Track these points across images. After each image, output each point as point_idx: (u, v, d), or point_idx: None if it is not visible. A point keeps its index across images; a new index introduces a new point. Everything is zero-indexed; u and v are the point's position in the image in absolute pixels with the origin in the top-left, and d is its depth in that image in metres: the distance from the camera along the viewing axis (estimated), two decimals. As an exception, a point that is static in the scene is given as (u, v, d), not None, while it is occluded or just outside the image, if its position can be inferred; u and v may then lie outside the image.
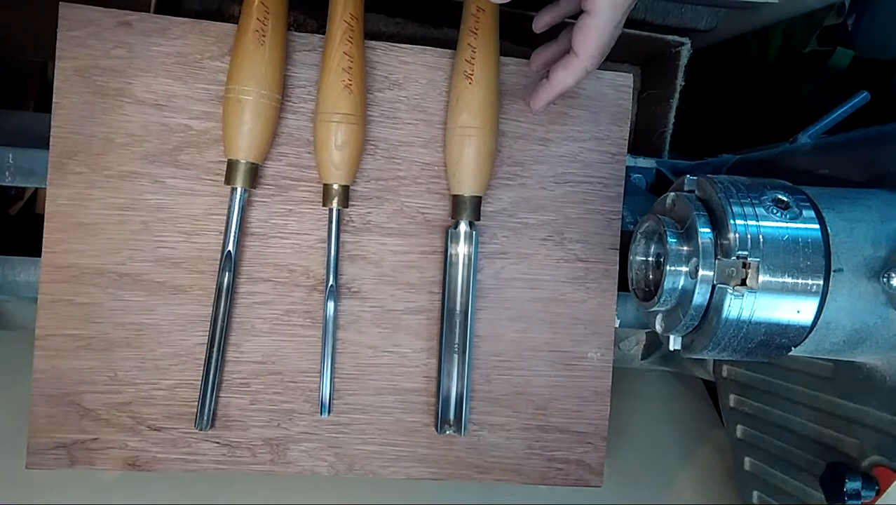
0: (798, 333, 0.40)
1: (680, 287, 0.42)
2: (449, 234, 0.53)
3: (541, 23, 0.51)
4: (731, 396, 0.63)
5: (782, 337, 0.40)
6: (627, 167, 0.60)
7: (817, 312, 0.39)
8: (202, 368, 0.50)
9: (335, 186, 0.50)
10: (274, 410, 0.52)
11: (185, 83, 0.51)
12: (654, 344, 0.73)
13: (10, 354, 0.63)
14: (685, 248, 0.41)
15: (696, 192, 0.43)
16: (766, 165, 0.59)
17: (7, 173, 0.51)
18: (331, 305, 0.51)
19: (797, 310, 0.39)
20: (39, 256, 0.49)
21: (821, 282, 0.39)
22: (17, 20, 0.71)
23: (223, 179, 0.50)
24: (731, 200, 0.40)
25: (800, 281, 0.38)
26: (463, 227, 0.52)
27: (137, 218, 0.50)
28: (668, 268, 0.41)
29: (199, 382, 0.50)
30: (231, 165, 0.49)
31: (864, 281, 0.39)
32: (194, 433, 0.51)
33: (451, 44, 0.53)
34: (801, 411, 0.53)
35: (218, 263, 0.50)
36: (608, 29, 0.44)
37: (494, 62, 0.51)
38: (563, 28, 0.51)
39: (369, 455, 0.53)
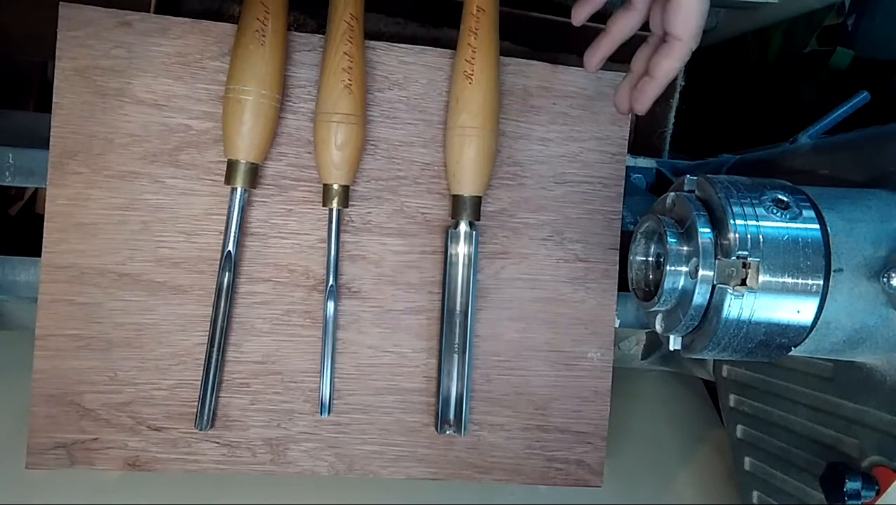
0: (798, 333, 0.40)
1: (680, 287, 0.42)
2: (449, 234, 0.53)
3: (581, 14, 0.49)
4: (731, 396, 0.63)
5: (782, 337, 0.40)
6: (627, 167, 0.60)
7: (817, 312, 0.39)
8: (202, 368, 0.50)
9: (335, 186, 0.50)
10: (274, 410, 0.52)
11: (185, 83, 0.51)
12: (654, 344, 0.73)
13: (10, 354, 0.63)
14: (685, 248, 0.41)
15: (696, 192, 0.43)
16: (766, 165, 0.59)
17: (7, 173, 0.51)
18: (331, 305, 0.51)
19: (797, 310, 0.39)
20: (39, 255, 0.49)
21: (821, 282, 0.39)
22: (17, 20, 0.71)
23: (223, 179, 0.50)
24: (731, 200, 0.40)
25: (800, 281, 0.38)
26: (463, 227, 0.52)
27: (137, 218, 0.50)
28: (668, 268, 0.41)
29: (199, 382, 0.50)
30: (231, 165, 0.49)
31: (864, 281, 0.39)
32: (194, 433, 0.51)
33: (451, 44, 0.53)
34: (801, 411, 0.53)
35: (218, 262, 0.50)
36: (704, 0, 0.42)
37: (494, 62, 0.51)
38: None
39: (369, 455, 0.53)
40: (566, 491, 0.57)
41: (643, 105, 0.49)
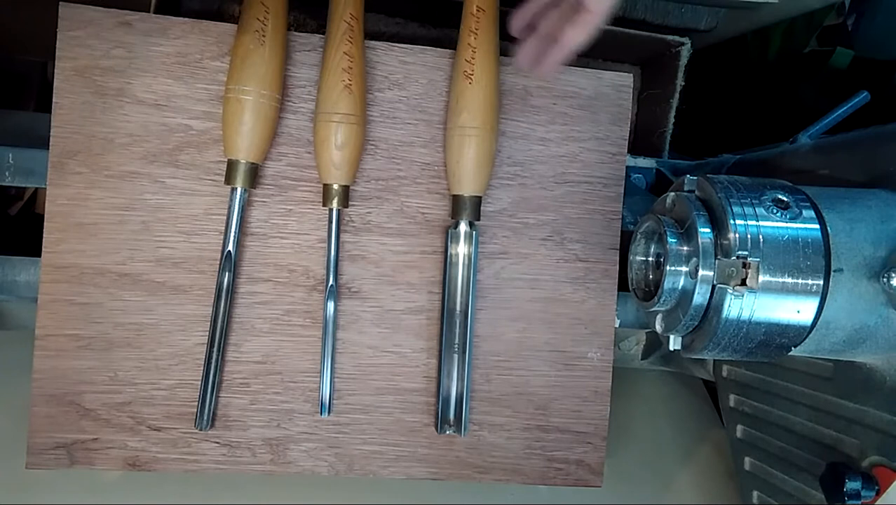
0: (798, 333, 0.40)
1: (680, 287, 0.42)
2: (449, 235, 0.53)
3: (520, 22, 0.49)
4: (731, 396, 0.63)
5: (782, 337, 0.40)
6: (627, 167, 0.60)
7: (817, 312, 0.39)
8: (202, 368, 0.50)
9: (335, 186, 0.50)
10: (274, 410, 0.52)
11: (185, 83, 0.51)
12: (654, 344, 0.73)
13: (10, 354, 0.63)
14: (685, 248, 0.41)
15: (696, 192, 0.43)
16: (766, 165, 0.59)
17: (7, 173, 0.51)
18: (331, 305, 0.51)
19: (797, 310, 0.39)
20: (39, 255, 0.49)
21: (821, 282, 0.39)
22: (17, 20, 0.71)
23: (223, 179, 0.50)
24: (731, 200, 0.40)
25: (800, 281, 0.38)
26: (463, 227, 0.52)
27: (137, 218, 0.50)
28: (668, 268, 0.41)
29: (199, 382, 0.50)
30: (231, 165, 0.49)
31: (864, 281, 0.39)
32: (194, 433, 0.51)
33: (451, 44, 0.53)
34: (801, 411, 0.53)
35: (218, 262, 0.50)
36: None
37: (494, 62, 0.51)
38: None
39: (369, 455, 0.53)
40: (566, 491, 0.57)
41: (548, 70, 0.48)
